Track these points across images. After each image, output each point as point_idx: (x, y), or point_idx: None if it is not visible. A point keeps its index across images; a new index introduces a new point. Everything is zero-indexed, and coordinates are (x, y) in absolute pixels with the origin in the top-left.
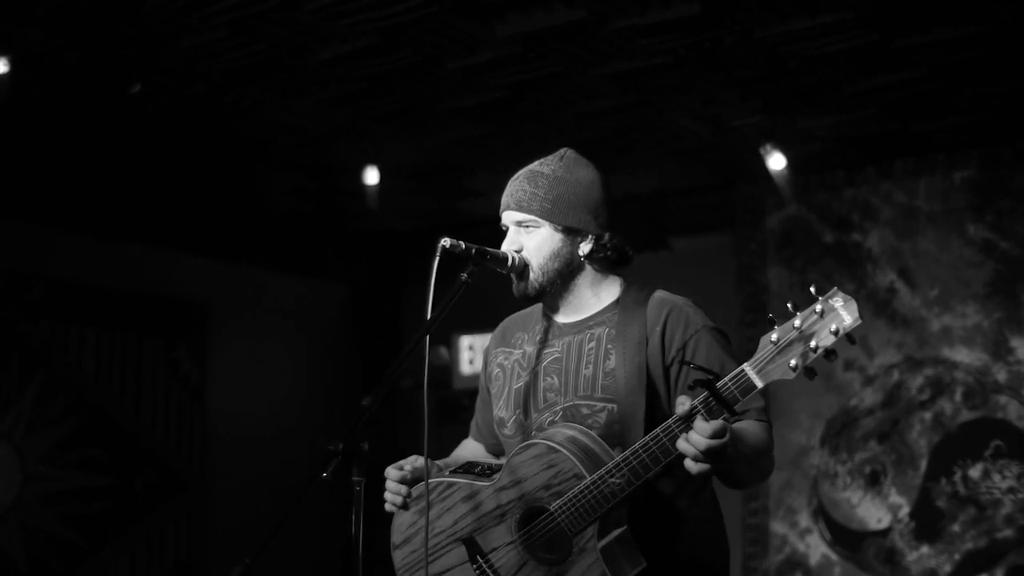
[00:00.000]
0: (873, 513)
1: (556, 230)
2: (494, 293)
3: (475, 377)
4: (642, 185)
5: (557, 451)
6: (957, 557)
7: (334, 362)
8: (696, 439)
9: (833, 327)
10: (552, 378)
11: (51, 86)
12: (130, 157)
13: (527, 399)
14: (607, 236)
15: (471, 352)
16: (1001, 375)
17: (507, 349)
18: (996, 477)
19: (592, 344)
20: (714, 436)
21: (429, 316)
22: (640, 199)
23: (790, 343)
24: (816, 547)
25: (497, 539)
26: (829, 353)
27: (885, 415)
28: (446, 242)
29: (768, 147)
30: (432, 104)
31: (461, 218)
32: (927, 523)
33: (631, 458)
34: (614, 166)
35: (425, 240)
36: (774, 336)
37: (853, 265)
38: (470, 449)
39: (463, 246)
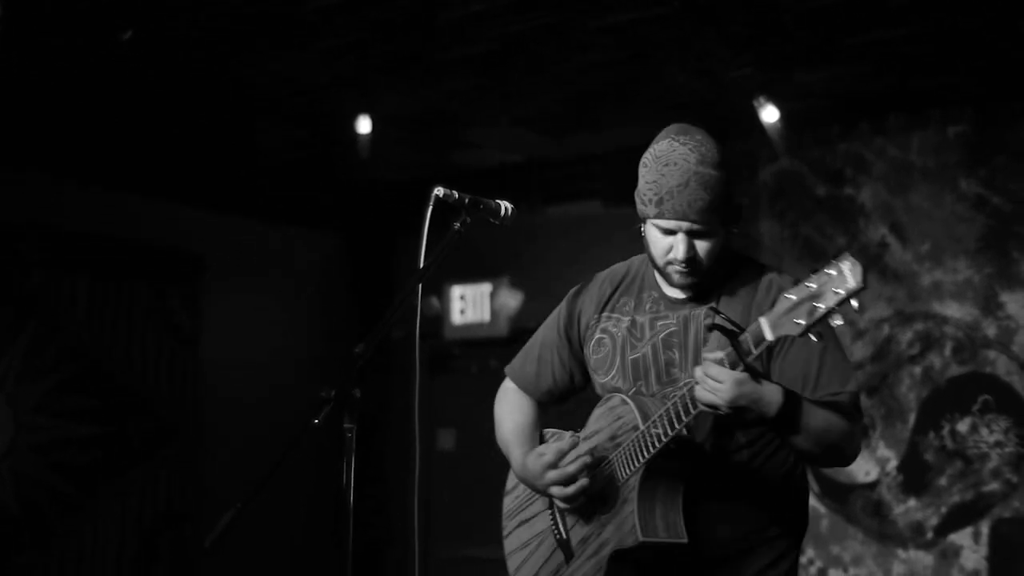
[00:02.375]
0: (861, 466)
1: (723, 231)
2: (486, 243)
3: (466, 327)
4: (636, 138)
5: (626, 403)
6: (943, 510)
7: (327, 311)
8: (711, 384)
9: (837, 289)
10: (673, 352)
11: (42, 32)
12: (124, 106)
13: (647, 371)
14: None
15: (462, 302)
16: (991, 330)
17: (615, 316)
18: (984, 431)
19: (708, 320)
20: (723, 379)
21: (421, 265)
22: (634, 152)
23: (802, 302)
24: None
25: None
26: (831, 313)
27: (875, 369)
28: (439, 191)
29: (761, 100)
30: (427, 55)
31: (455, 169)
32: (914, 476)
33: (669, 407)
34: (608, 120)
35: (419, 190)
36: (791, 294)
37: (845, 219)
38: (524, 416)
39: (456, 195)
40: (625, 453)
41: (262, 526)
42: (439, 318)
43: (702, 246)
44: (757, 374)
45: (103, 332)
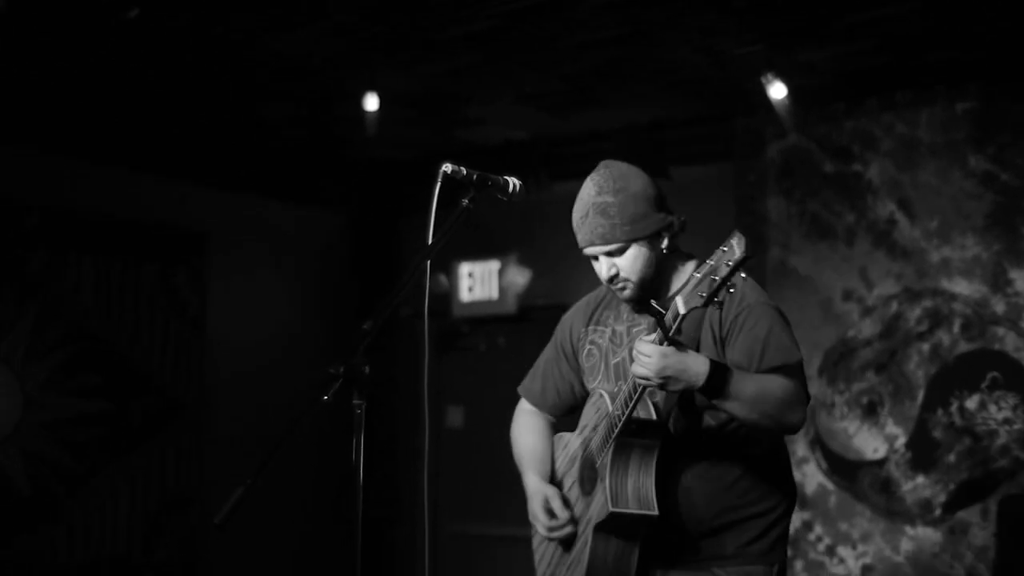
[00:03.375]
0: (869, 443)
1: (641, 244)
2: (494, 221)
3: (474, 305)
4: (640, 116)
5: (603, 396)
6: (952, 487)
7: (331, 289)
8: (642, 359)
9: (728, 262)
10: None
11: (47, 11)
12: (128, 84)
13: (626, 372)
14: (674, 221)
15: (471, 279)
16: (999, 307)
17: (600, 328)
18: (992, 408)
19: (640, 307)
20: (650, 353)
21: (430, 242)
22: (638, 130)
23: (704, 277)
24: (812, 476)
25: (571, 478)
26: (725, 282)
27: (883, 346)
28: (447, 167)
29: (769, 76)
30: (427, 33)
31: (458, 146)
32: (923, 453)
33: (622, 390)
34: (613, 97)
35: (422, 168)
36: (697, 273)
37: (853, 196)
38: (535, 435)
39: (464, 172)
40: (599, 437)
41: (271, 503)
42: (447, 295)
43: (621, 263)
44: (681, 346)
45: (108, 310)
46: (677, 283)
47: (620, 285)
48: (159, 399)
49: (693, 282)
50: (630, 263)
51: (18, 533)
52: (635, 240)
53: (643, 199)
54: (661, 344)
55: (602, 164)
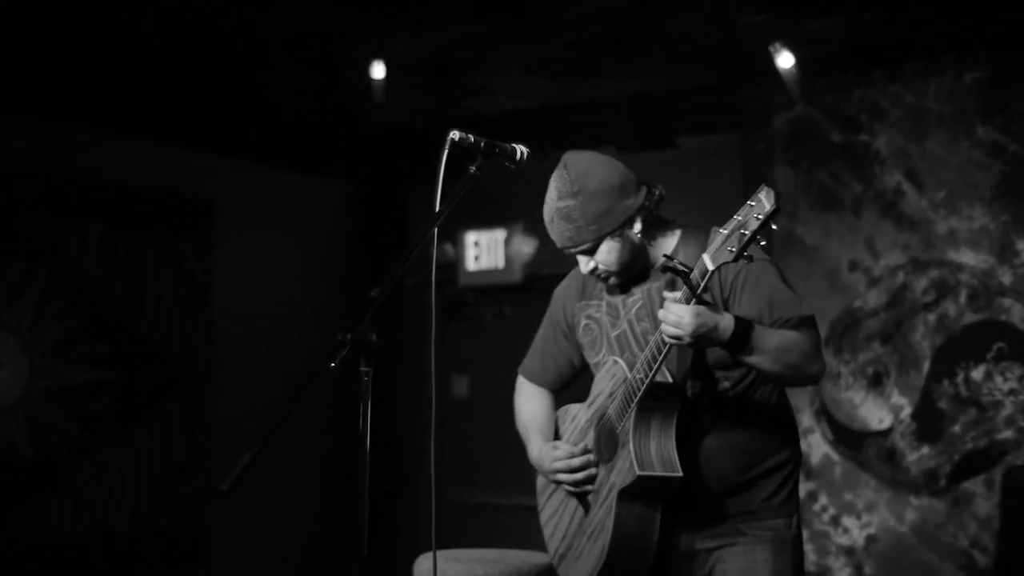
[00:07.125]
0: (875, 413)
1: (612, 238)
2: (501, 190)
3: (480, 273)
4: (648, 85)
5: (617, 363)
6: (957, 457)
7: (338, 258)
8: (673, 319)
9: (758, 215)
10: (645, 322)
11: None
12: (134, 51)
13: (629, 343)
14: (641, 204)
15: (477, 248)
16: (1006, 278)
17: (593, 301)
18: (998, 379)
19: (661, 263)
20: (682, 314)
21: (437, 209)
22: (646, 99)
23: (732, 232)
24: (818, 446)
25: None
26: (755, 235)
27: (889, 316)
28: (455, 135)
29: (777, 45)
30: (435, 0)
31: (466, 115)
32: (928, 424)
33: (646, 352)
34: (621, 66)
35: (430, 136)
36: (723, 228)
37: (860, 166)
38: (538, 404)
39: (472, 139)
40: (619, 403)
41: (276, 471)
42: (453, 264)
43: (598, 258)
44: (709, 304)
45: (115, 278)
46: (658, 252)
47: (604, 277)
48: (165, 368)
49: (720, 238)
50: (605, 257)
51: (24, 500)
52: (603, 236)
53: (604, 194)
54: (689, 303)
55: (562, 160)
